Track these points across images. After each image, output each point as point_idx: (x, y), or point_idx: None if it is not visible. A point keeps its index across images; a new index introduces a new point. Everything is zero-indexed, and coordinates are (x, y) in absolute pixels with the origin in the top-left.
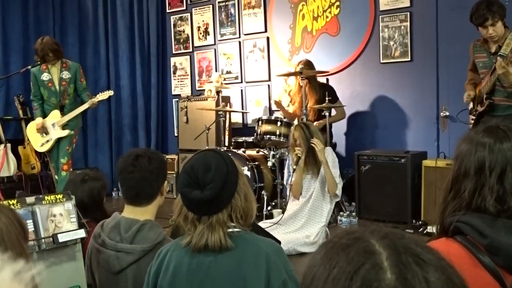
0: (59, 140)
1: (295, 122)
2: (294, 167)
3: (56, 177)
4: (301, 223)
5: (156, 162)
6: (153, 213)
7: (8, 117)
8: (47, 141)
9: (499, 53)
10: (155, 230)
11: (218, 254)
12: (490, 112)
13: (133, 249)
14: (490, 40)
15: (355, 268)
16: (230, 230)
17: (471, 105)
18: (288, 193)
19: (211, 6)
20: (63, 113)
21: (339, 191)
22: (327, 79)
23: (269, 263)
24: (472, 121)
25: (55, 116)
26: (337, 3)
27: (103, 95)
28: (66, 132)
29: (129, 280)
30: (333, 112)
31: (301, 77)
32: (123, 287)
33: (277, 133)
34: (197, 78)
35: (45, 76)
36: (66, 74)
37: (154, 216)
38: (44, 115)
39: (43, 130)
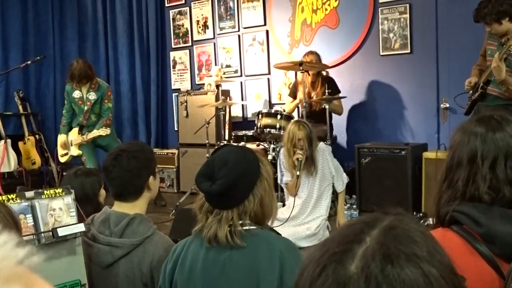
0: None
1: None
2: (298, 173)
3: None
4: (303, 219)
5: (137, 160)
6: (143, 207)
7: (8, 113)
8: (66, 153)
9: (502, 43)
10: (145, 224)
11: (232, 251)
12: (481, 101)
13: (122, 243)
14: (496, 35)
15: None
16: (246, 227)
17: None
18: (285, 192)
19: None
20: (81, 133)
21: (344, 185)
22: (327, 72)
23: (282, 260)
24: (467, 106)
25: (73, 134)
26: None
27: (98, 132)
28: (79, 152)
29: (120, 274)
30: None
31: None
32: (113, 281)
33: (277, 126)
34: (196, 72)
35: (76, 94)
36: (92, 95)
37: (145, 210)
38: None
39: (65, 145)
